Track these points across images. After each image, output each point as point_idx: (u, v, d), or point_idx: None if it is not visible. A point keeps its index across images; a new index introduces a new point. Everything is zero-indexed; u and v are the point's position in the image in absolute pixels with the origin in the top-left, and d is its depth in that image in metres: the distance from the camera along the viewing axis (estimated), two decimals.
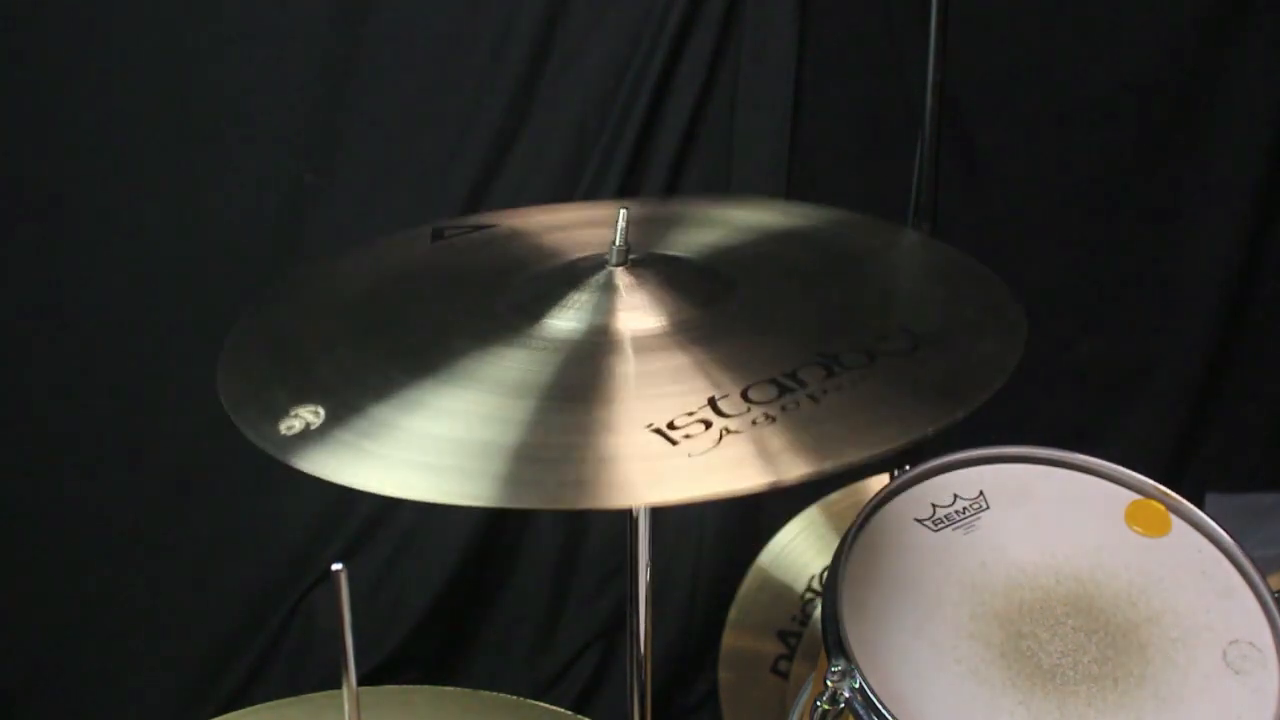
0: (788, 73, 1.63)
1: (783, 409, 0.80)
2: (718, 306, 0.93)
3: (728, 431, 0.78)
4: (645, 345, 0.89)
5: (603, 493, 0.76)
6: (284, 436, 0.79)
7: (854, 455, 0.77)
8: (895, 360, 0.86)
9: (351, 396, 0.83)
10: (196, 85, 1.54)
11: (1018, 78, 1.71)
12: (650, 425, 0.79)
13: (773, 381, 0.83)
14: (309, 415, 0.81)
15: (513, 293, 0.96)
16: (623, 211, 0.92)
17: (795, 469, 0.76)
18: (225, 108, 1.56)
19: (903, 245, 1.12)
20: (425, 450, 0.78)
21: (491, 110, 1.60)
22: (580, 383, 0.85)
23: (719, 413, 0.80)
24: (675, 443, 0.78)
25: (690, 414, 0.80)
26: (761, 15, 1.61)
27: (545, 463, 0.78)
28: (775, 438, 0.78)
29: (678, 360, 0.87)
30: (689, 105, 1.63)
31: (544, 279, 0.98)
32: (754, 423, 0.79)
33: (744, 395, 0.82)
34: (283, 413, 0.81)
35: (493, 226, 1.12)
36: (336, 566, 0.76)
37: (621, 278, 0.94)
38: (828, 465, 0.77)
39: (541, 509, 0.76)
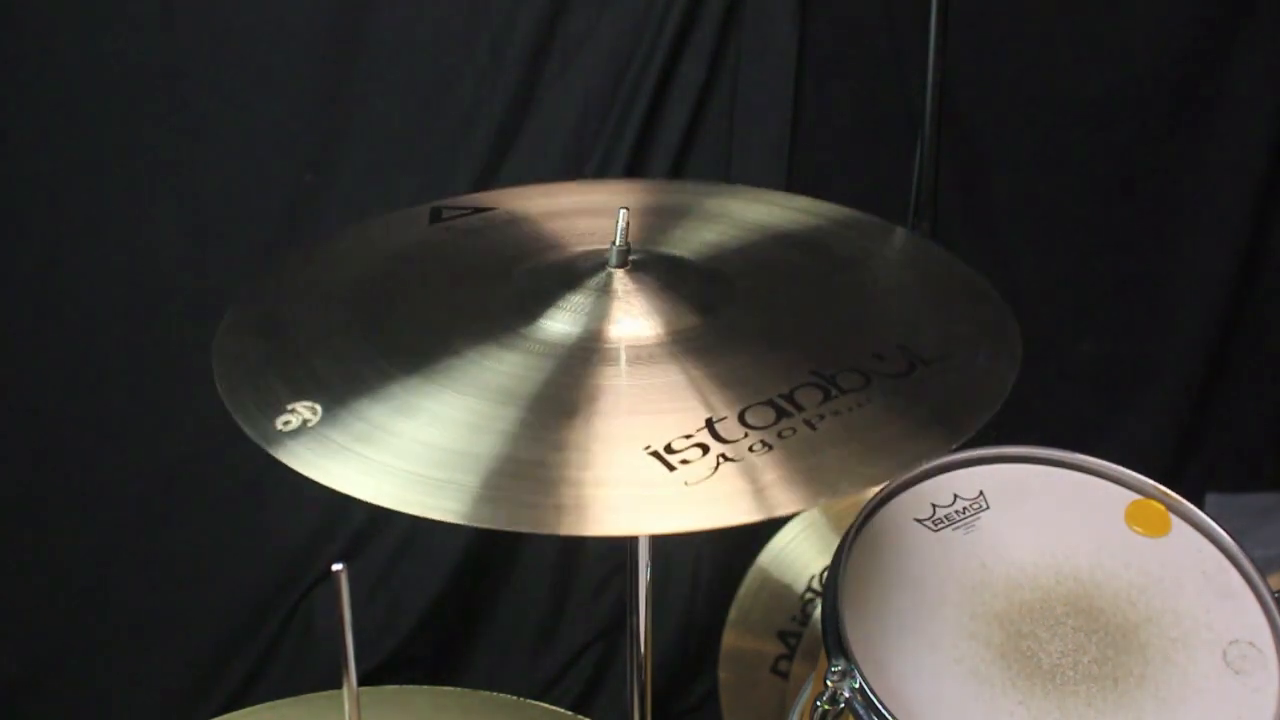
0: (788, 73, 1.63)
1: (779, 436, 0.78)
2: (715, 315, 0.90)
3: (724, 459, 0.76)
4: (641, 356, 0.86)
5: (594, 518, 0.73)
6: (279, 431, 0.78)
7: (849, 489, 0.75)
8: (891, 382, 0.83)
9: (343, 392, 0.81)
10: (196, 85, 1.54)
11: (1018, 78, 1.71)
12: (648, 448, 0.76)
13: (770, 404, 0.80)
14: (306, 412, 0.79)
15: (511, 288, 0.94)
16: (622, 212, 0.91)
17: (789, 504, 0.74)
18: (225, 107, 1.55)
19: (899, 249, 1.09)
20: (405, 456, 0.76)
21: (492, 110, 1.60)
22: (572, 393, 0.82)
23: (717, 437, 0.77)
24: (673, 468, 0.75)
25: (688, 436, 0.77)
26: (761, 15, 1.60)
27: (531, 480, 0.75)
28: (770, 469, 0.75)
29: (674, 375, 0.84)
30: (689, 105, 1.63)
31: (542, 276, 0.95)
32: (751, 449, 0.76)
33: (741, 419, 0.79)
34: (280, 407, 0.80)
35: (491, 209, 1.08)
36: (337, 566, 0.76)
37: (620, 281, 0.91)
38: (822, 499, 0.76)
39: (530, 532, 0.74)
